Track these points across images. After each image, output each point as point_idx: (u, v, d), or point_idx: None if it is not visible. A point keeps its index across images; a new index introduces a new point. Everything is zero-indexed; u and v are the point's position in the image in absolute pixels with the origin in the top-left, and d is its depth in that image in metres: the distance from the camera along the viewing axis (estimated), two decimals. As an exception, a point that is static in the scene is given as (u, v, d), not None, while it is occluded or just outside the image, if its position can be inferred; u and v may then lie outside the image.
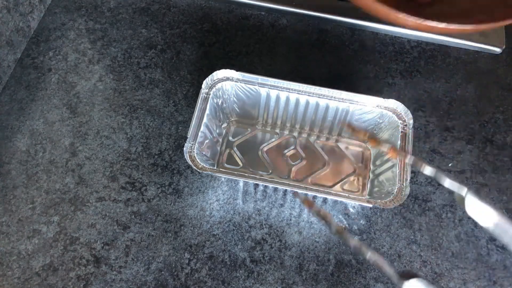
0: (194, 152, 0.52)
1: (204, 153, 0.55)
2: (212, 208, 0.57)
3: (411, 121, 0.54)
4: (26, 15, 0.71)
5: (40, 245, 0.54)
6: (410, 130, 0.54)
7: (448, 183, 0.37)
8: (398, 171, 0.52)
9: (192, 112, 0.55)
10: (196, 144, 0.53)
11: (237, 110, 0.62)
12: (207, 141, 0.57)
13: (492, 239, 0.55)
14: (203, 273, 0.53)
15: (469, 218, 0.57)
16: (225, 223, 0.56)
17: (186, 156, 0.52)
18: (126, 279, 0.52)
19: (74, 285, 0.52)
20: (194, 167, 0.51)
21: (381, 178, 0.56)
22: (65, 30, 0.73)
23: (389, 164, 0.54)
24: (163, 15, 0.75)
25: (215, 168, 0.57)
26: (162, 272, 0.53)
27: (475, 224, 0.56)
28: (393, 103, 0.55)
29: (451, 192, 0.38)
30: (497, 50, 0.71)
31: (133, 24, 0.74)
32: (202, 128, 0.54)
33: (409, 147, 0.53)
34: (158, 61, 0.70)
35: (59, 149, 0.62)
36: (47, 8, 0.76)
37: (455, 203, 0.58)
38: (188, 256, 0.54)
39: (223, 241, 0.55)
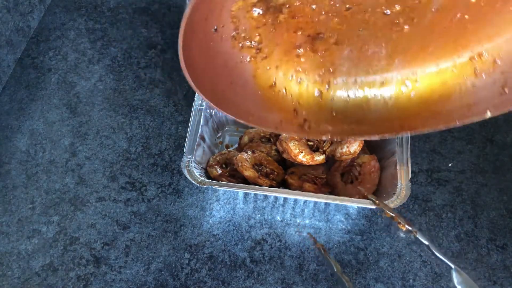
0: (191, 166, 0.52)
1: (201, 165, 0.55)
2: (212, 208, 0.57)
3: None
4: (26, 15, 0.71)
5: (40, 245, 0.54)
6: None
7: (439, 256, 0.41)
8: (398, 171, 0.51)
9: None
10: (193, 157, 0.53)
11: (231, 119, 0.62)
12: (203, 152, 0.57)
13: (492, 239, 0.55)
14: (203, 273, 0.53)
15: (469, 218, 0.57)
16: (225, 223, 0.56)
17: (185, 172, 0.51)
18: (126, 279, 0.52)
19: (74, 285, 0.52)
20: (194, 182, 0.51)
21: (381, 178, 0.56)
22: (65, 30, 0.73)
23: (389, 164, 0.54)
24: (163, 15, 0.75)
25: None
26: (162, 272, 0.53)
27: (475, 224, 0.56)
28: None
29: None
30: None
31: (133, 24, 0.74)
32: (198, 140, 0.54)
33: (408, 146, 0.53)
34: (158, 61, 0.70)
35: (59, 149, 0.62)
36: (47, 8, 0.76)
37: (455, 203, 0.58)
38: (188, 256, 0.54)
39: (223, 241, 0.55)
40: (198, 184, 0.51)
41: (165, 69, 0.69)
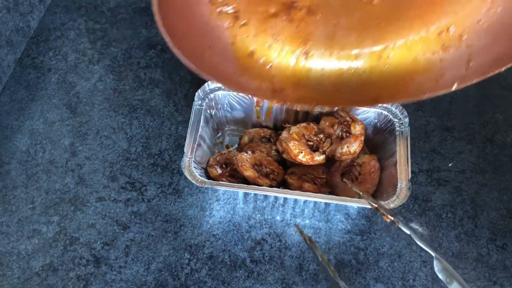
0: (191, 166, 0.52)
1: (201, 165, 0.55)
2: (212, 208, 0.57)
3: (407, 119, 0.55)
4: (26, 15, 0.71)
5: (40, 245, 0.54)
6: (407, 128, 0.54)
7: (420, 244, 0.42)
8: (398, 171, 0.52)
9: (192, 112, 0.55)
10: (193, 157, 0.53)
11: (231, 119, 0.62)
12: (203, 152, 0.57)
13: (492, 239, 0.55)
14: (203, 273, 0.53)
15: (469, 218, 0.57)
16: (225, 223, 0.56)
17: (185, 172, 0.51)
18: (126, 279, 0.52)
19: (74, 285, 0.52)
20: (194, 182, 0.51)
21: (381, 178, 0.56)
22: (65, 30, 0.73)
23: (389, 164, 0.54)
24: (163, 15, 0.75)
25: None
26: (162, 272, 0.53)
27: (475, 224, 0.56)
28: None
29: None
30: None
31: (133, 24, 0.74)
32: (198, 140, 0.54)
33: (408, 146, 0.53)
34: (158, 61, 0.70)
35: (59, 149, 0.62)
36: (47, 8, 0.76)
37: (455, 203, 0.58)
38: (188, 256, 0.54)
39: (223, 241, 0.55)
40: (198, 184, 0.51)
41: (165, 69, 0.69)
